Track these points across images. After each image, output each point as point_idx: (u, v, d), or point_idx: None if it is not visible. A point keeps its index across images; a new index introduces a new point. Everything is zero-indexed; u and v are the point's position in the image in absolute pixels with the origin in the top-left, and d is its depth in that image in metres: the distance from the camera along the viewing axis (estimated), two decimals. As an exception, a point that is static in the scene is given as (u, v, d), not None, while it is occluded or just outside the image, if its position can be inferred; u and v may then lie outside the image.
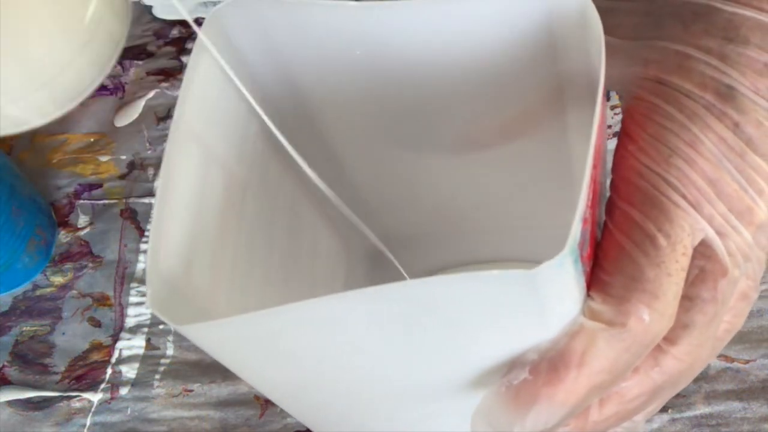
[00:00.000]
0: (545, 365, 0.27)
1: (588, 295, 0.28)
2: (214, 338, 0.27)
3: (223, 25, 0.31)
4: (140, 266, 0.54)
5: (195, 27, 0.29)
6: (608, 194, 0.30)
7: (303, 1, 0.30)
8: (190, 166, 0.30)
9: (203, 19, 0.30)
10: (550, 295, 0.25)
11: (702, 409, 0.44)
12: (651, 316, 0.27)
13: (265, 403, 0.48)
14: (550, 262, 0.24)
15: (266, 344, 0.27)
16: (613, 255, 0.28)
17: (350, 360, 0.28)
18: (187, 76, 0.30)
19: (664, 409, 0.44)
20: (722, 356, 0.45)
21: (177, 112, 0.29)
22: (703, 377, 0.45)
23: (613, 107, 0.52)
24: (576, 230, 0.24)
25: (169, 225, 0.28)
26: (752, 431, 0.43)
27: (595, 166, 0.26)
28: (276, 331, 0.26)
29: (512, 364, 0.28)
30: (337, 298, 0.25)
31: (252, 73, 0.32)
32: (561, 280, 0.25)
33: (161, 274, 0.27)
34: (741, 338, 0.45)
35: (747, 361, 0.45)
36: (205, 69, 0.30)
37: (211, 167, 0.30)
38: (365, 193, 0.41)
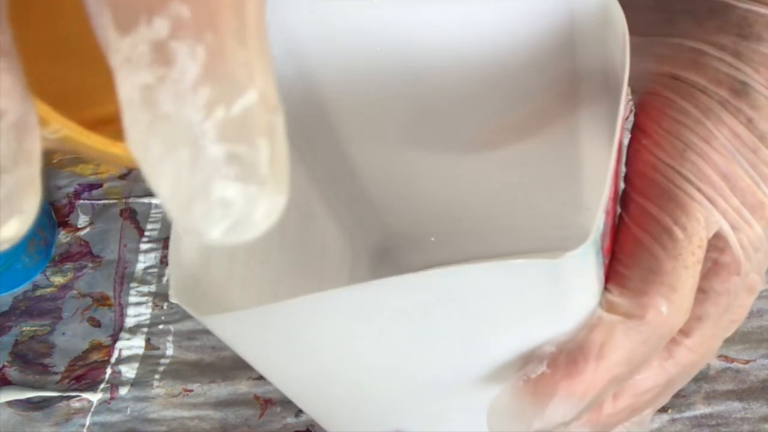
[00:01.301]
0: (564, 358, 0.27)
1: (606, 287, 0.28)
2: (236, 329, 0.27)
3: None
4: (140, 266, 0.54)
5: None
6: (622, 187, 0.30)
7: None
8: None
9: None
10: (571, 285, 0.25)
11: (702, 409, 0.44)
12: (669, 308, 0.27)
13: (264, 403, 0.48)
14: (574, 251, 0.24)
15: (287, 335, 0.27)
16: (630, 248, 0.28)
17: (369, 352, 0.28)
18: None
19: (664, 409, 0.44)
20: (722, 356, 0.45)
21: None
22: (703, 377, 0.45)
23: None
24: (599, 221, 0.25)
25: None
26: (752, 431, 0.43)
27: (617, 160, 0.26)
28: (298, 322, 0.26)
29: (528, 358, 0.28)
30: (360, 287, 0.25)
31: None
32: (583, 270, 0.25)
33: (182, 265, 0.27)
34: (741, 338, 0.45)
35: (747, 361, 0.45)
36: None
37: None
38: (373, 190, 0.41)
